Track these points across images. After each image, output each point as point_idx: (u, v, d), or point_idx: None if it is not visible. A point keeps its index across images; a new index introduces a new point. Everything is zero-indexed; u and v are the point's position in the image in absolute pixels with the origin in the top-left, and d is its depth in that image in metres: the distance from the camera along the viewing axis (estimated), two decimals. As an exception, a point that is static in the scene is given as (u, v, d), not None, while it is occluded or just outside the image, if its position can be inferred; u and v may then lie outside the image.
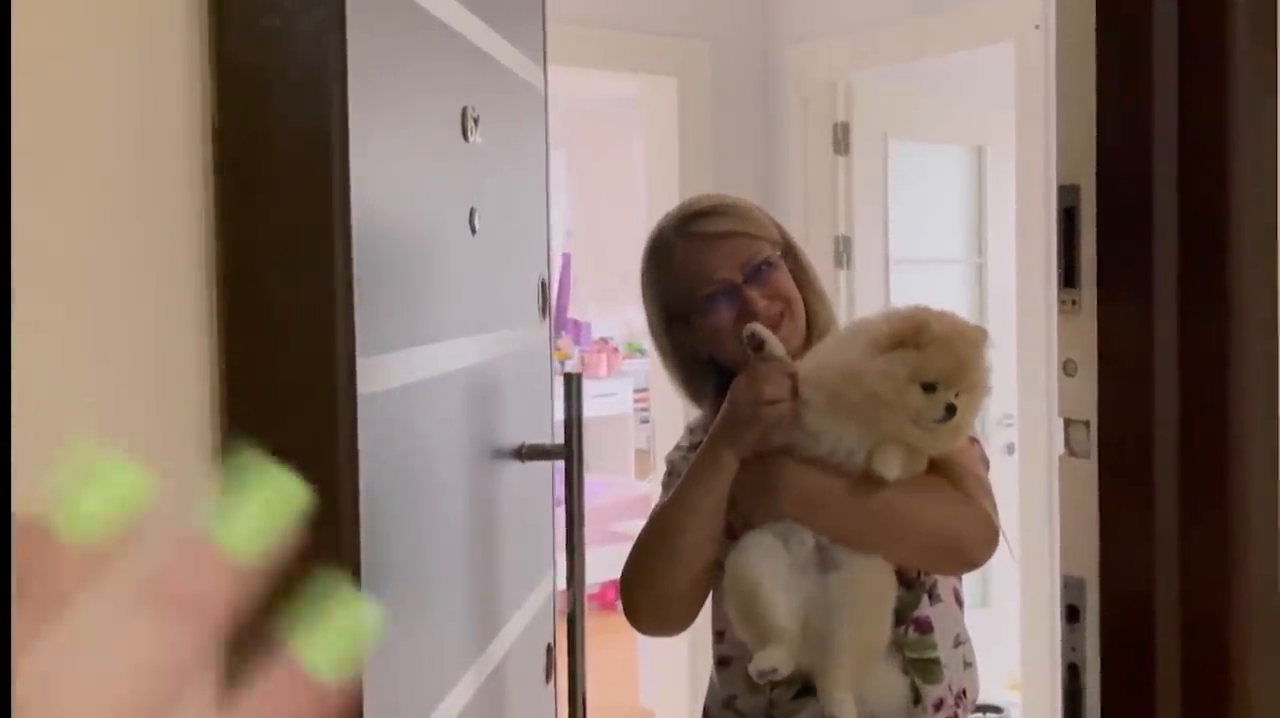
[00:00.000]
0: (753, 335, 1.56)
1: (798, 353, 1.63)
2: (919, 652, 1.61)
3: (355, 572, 0.93)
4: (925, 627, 1.62)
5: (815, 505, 1.53)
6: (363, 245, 0.96)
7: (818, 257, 3.93)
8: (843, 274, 4.01)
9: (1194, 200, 1.42)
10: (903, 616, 1.60)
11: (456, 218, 1.37)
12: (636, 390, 7.25)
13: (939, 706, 1.61)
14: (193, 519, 0.29)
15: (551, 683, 1.88)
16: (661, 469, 1.83)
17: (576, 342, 7.73)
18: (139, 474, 0.28)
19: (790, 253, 1.74)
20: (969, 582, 4.99)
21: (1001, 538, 1.57)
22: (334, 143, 0.88)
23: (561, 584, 1.79)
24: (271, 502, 0.29)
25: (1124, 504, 1.48)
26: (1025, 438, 3.68)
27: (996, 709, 4.43)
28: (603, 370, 7.56)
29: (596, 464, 7.45)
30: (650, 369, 4.44)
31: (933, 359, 1.47)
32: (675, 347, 1.76)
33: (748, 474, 1.56)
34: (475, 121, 1.42)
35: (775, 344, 1.57)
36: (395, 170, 1.13)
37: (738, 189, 1.84)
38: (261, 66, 0.88)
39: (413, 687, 1.19)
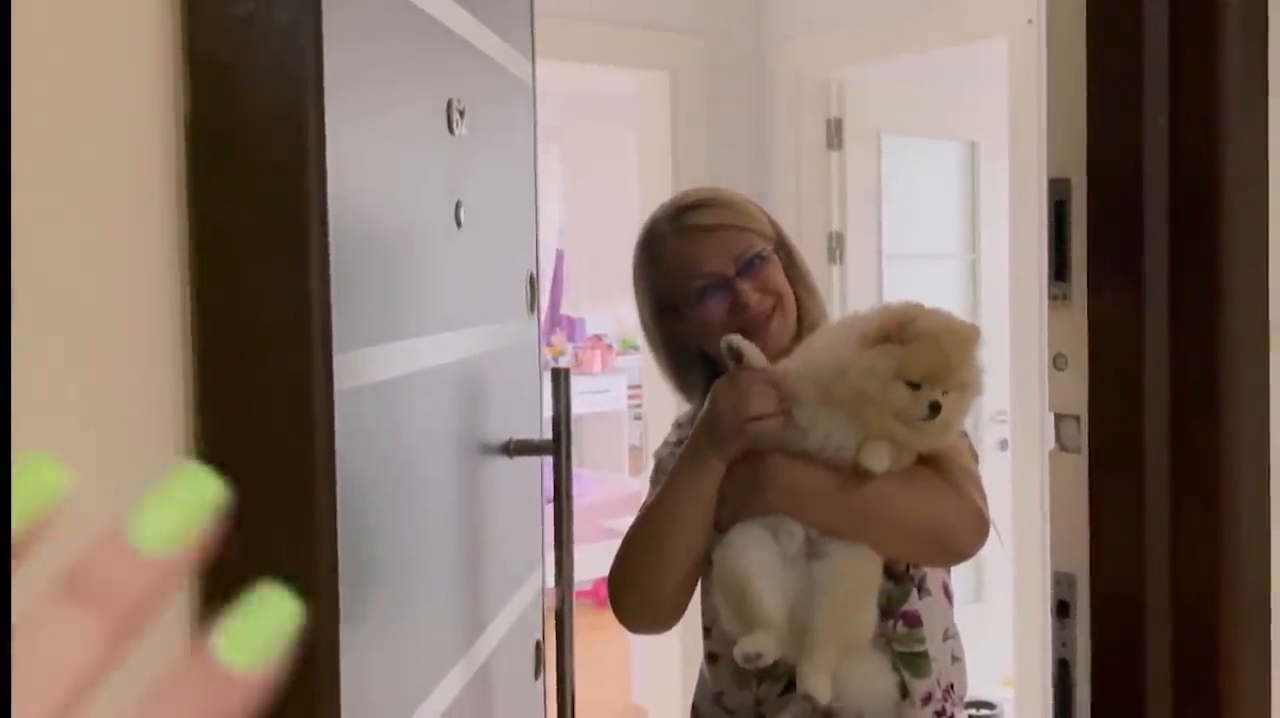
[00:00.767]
0: (731, 347, 1.55)
1: (787, 348, 1.62)
2: (907, 646, 1.60)
3: (332, 566, 0.92)
4: (914, 621, 1.61)
5: (804, 499, 1.53)
6: (340, 238, 0.94)
7: (811, 252, 3.93)
8: (836, 270, 4.01)
9: (1185, 194, 1.41)
10: (891, 609, 1.59)
11: (441, 211, 1.36)
12: (630, 387, 7.25)
13: (927, 699, 1.61)
14: (129, 517, 0.28)
15: (541, 680, 1.87)
16: (652, 466, 1.82)
17: (570, 338, 7.73)
18: (54, 467, 0.28)
19: (782, 247, 1.73)
20: (962, 577, 4.97)
21: (992, 530, 1.57)
22: (309, 134, 0.87)
23: (551, 581, 1.79)
24: (187, 499, 0.28)
25: (1114, 499, 1.47)
26: (1018, 434, 3.67)
27: (989, 706, 4.43)
28: (596, 367, 7.55)
29: (590, 461, 7.45)
30: (643, 365, 4.43)
31: (918, 356, 1.46)
32: (666, 339, 1.75)
33: (736, 469, 1.55)
34: (461, 114, 1.41)
35: (755, 355, 1.55)
36: (375, 162, 1.12)
37: (731, 185, 1.83)
38: (234, 56, 0.87)
39: (394, 681, 1.18)
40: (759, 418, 1.50)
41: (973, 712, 4.42)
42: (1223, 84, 1.39)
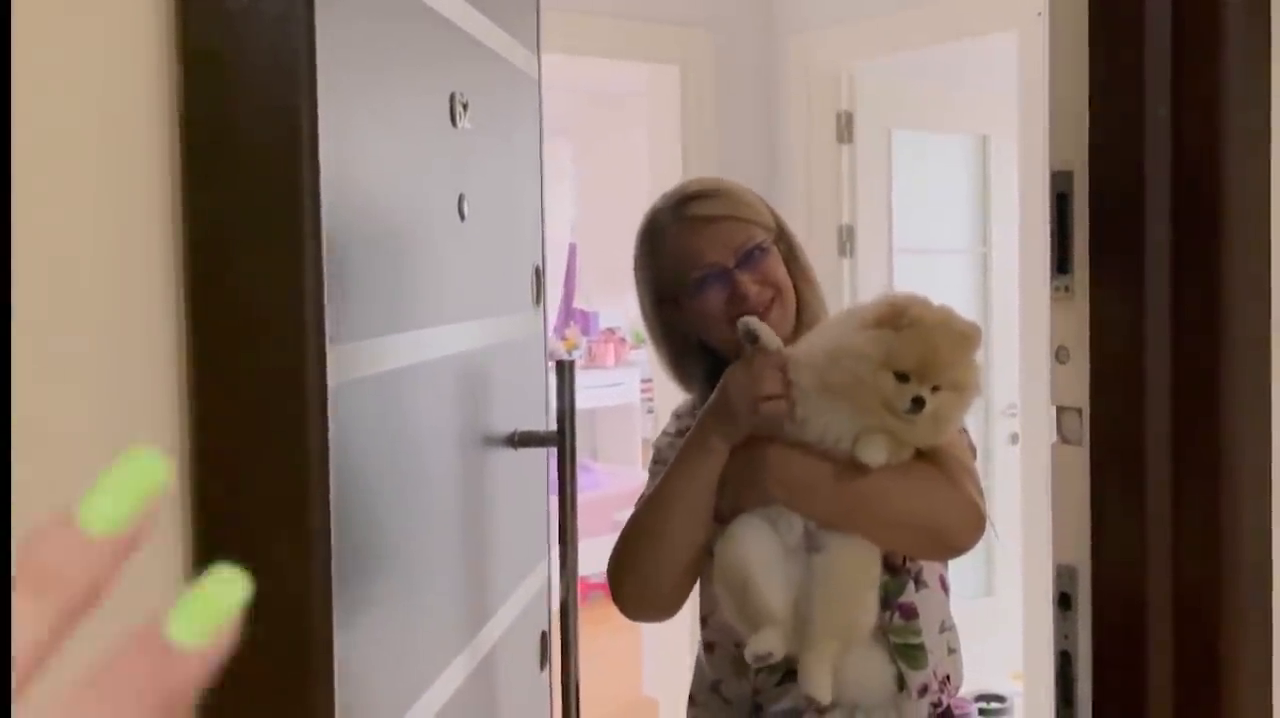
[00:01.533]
0: (748, 329, 1.56)
1: (787, 340, 1.62)
2: (904, 638, 1.61)
3: (325, 559, 0.93)
4: (910, 613, 1.62)
5: (802, 490, 1.53)
6: (336, 231, 0.95)
7: (821, 246, 3.94)
8: (846, 263, 4.01)
9: (1186, 185, 1.41)
10: (888, 601, 1.60)
11: (443, 204, 1.37)
12: (643, 380, 7.26)
13: (923, 691, 1.61)
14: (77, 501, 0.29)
15: (547, 671, 1.88)
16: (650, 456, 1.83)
17: (585, 332, 7.73)
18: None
19: (783, 239, 1.74)
20: (973, 572, 4.96)
21: (988, 526, 1.57)
22: (302, 127, 0.87)
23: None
24: (134, 481, 0.29)
25: (1116, 492, 1.47)
26: (1028, 428, 3.67)
27: (1000, 699, 4.43)
28: (610, 360, 7.56)
29: (604, 454, 7.46)
30: (652, 359, 4.44)
31: (908, 345, 1.47)
32: (665, 329, 1.76)
33: (736, 459, 1.56)
34: (464, 108, 1.41)
35: (770, 337, 1.56)
36: (373, 155, 1.13)
37: (741, 179, 1.83)
38: (227, 49, 0.87)
39: (395, 669, 1.19)
40: (770, 398, 1.51)
41: (983, 705, 4.42)
42: (1224, 75, 1.39)
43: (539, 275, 1.84)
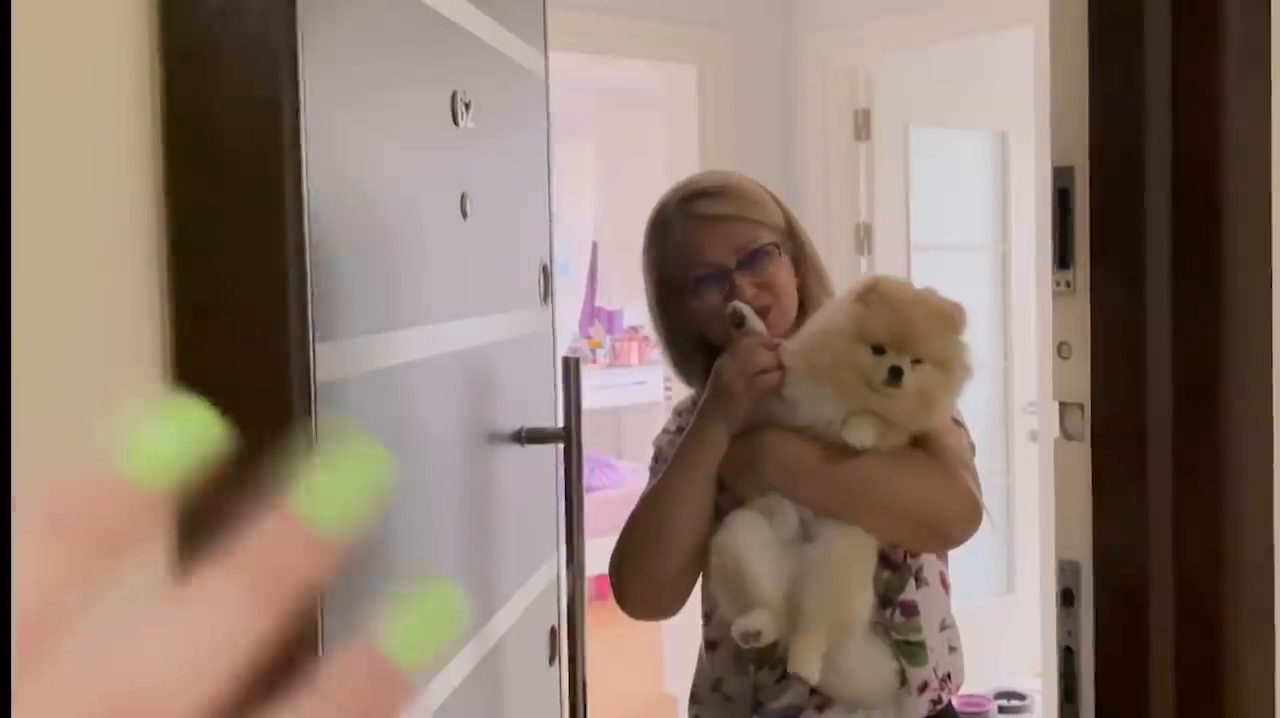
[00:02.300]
0: (734, 312, 1.59)
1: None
2: (905, 635, 1.61)
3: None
4: (911, 610, 1.62)
5: (797, 474, 1.54)
6: (326, 227, 0.96)
7: (839, 244, 3.94)
8: (864, 261, 4.01)
9: (1187, 181, 1.41)
10: (889, 598, 1.60)
11: (445, 202, 1.38)
12: (667, 379, 7.25)
13: (923, 688, 1.61)
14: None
15: (557, 665, 1.89)
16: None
17: (609, 331, 7.74)
18: (211, 416, 0.28)
19: (793, 237, 1.73)
20: (993, 570, 4.92)
21: (985, 518, 1.57)
22: (284, 123, 0.89)
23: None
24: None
25: (1117, 487, 1.47)
26: (1047, 425, 3.65)
27: (1020, 697, 4.42)
28: (634, 359, 7.57)
29: (628, 453, 7.46)
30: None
31: (877, 317, 1.48)
32: (669, 322, 1.77)
33: (733, 446, 1.57)
34: (466, 107, 1.43)
35: (756, 320, 1.59)
36: (367, 153, 1.14)
37: (758, 177, 1.81)
38: (210, 43, 0.89)
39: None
40: (762, 372, 1.53)
41: (1003, 702, 4.41)
42: (1225, 71, 1.39)
43: (547, 273, 1.85)
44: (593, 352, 7.63)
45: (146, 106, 0.91)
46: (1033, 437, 3.97)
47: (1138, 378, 1.44)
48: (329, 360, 0.98)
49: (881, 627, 1.60)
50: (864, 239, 4.00)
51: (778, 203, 1.75)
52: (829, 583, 1.52)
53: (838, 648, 1.53)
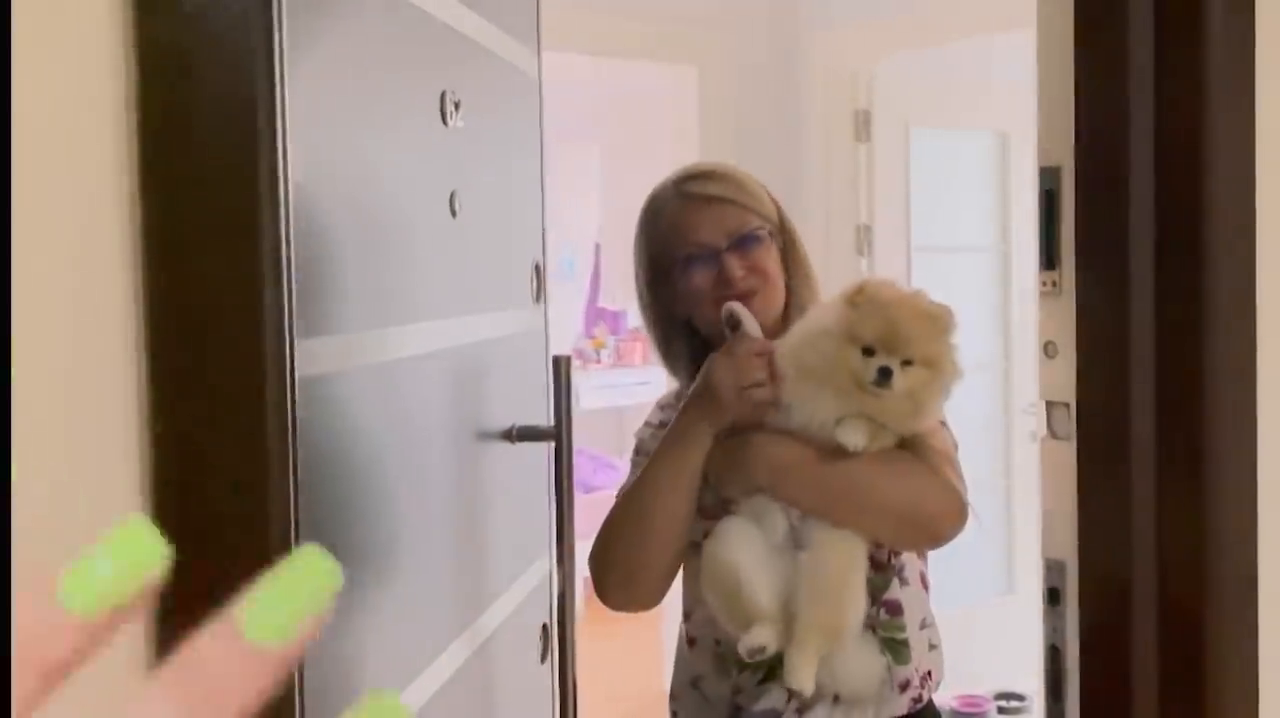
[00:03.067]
0: (730, 314, 1.58)
1: (772, 333, 1.64)
2: (890, 633, 1.62)
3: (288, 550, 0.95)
4: (895, 609, 1.63)
5: (786, 474, 1.55)
6: (306, 225, 0.97)
7: (839, 245, 3.94)
8: (864, 262, 4.01)
9: (1171, 182, 1.42)
10: (874, 597, 1.61)
11: (433, 201, 1.39)
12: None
13: (905, 686, 1.62)
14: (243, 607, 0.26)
15: (549, 663, 1.90)
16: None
17: (613, 332, 7.75)
18: (154, 536, 0.27)
19: (783, 232, 1.74)
20: (994, 570, 4.90)
21: (972, 515, 1.58)
22: (260, 123, 0.89)
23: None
24: (302, 587, 0.26)
25: (1102, 485, 1.48)
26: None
27: (1019, 698, 4.42)
28: (637, 359, 7.56)
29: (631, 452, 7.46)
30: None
31: (864, 318, 1.49)
32: (657, 307, 1.77)
33: (720, 446, 1.57)
34: (455, 106, 1.44)
35: (752, 323, 1.59)
36: (351, 152, 1.15)
37: (759, 178, 1.83)
38: (185, 40, 0.89)
39: (381, 656, 1.22)
40: (756, 385, 1.53)
41: (1003, 703, 4.41)
42: (1209, 73, 1.40)
43: (540, 273, 1.86)
44: (597, 352, 7.63)
45: (120, 105, 0.92)
46: (1033, 437, 3.97)
47: (1122, 377, 1.45)
48: (311, 357, 0.98)
49: (869, 625, 1.60)
50: (864, 240, 4.01)
51: (771, 198, 1.76)
52: (823, 593, 1.53)
53: (831, 653, 1.54)
